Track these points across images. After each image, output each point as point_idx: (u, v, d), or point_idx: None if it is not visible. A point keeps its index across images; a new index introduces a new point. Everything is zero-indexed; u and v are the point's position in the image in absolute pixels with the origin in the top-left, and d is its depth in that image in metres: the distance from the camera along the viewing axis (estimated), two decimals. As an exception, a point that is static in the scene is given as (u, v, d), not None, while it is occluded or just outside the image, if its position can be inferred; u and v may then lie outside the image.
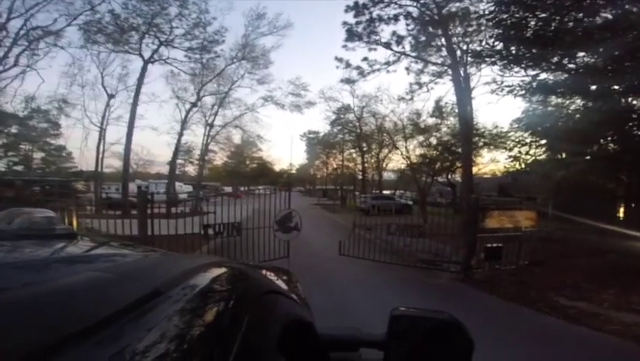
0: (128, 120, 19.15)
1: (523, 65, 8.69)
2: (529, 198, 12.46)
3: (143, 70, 19.08)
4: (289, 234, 6.78)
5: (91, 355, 0.32)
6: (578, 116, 10.23)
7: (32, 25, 15.54)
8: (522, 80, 8.90)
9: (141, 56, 18.95)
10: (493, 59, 9.30)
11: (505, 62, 8.83)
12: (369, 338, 0.95)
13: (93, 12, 16.53)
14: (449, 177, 22.45)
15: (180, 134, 21.48)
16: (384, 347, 0.88)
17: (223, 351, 0.40)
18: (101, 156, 20.63)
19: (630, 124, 7.94)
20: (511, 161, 13.99)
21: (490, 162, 21.46)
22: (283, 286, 1.20)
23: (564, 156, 10.78)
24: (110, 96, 19.89)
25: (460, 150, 17.57)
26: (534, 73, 8.87)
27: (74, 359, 0.30)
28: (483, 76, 25.96)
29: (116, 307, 0.38)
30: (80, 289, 0.41)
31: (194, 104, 21.36)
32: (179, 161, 26.62)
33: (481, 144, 19.08)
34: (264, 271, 1.36)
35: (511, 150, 15.38)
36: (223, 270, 0.67)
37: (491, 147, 19.44)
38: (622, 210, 12.48)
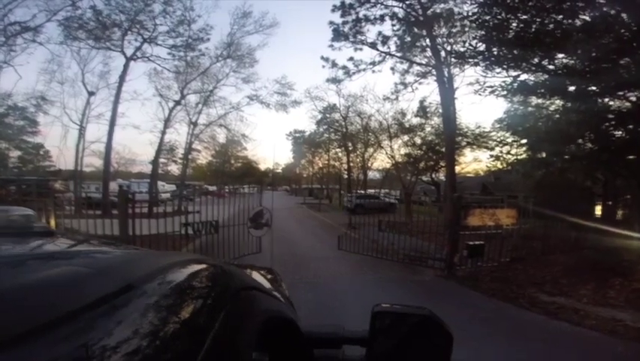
0: (109, 118, 18.67)
1: (504, 66, 8.85)
2: (511, 197, 12.74)
3: (125, 67, 18.60)
4: (261, 230, 7.13)
5: (56, 347, 0.31)
6: (557, 116, 10.50)
7: (10, 20, 14.95)
8: (504, 81, 9.07)
9: (123, 53, 18.45)
10: (475, 60, 9.45)
11: (488, 62, 8.98)
12: (352, 335, 0.96)
13: (74, 8, 16.02)
14: (433, 176, 22.77)
15: (163, 133, 21.10)
16: (366, 343, 0.90)
17: (194, 345, 0.41)
18: (80, 154, 20.06)
19: (606, 124, 8.18)
20: (494, 160, 14.26)
21: (473, 162, 21.86)
22: (266, 284, 1.20)
23: (544, 155, 11.03)
24: (91, 93, 19.30)
25: (443, 149, 17.82)
26: (515, 74, 9.05)
27: (37, 351, 0.30)
28: (466, 77, 26.55)
29: (85, 301, 0.37)
30: (49, 283, 0.41)
31: (177, 103, 21.00)
32: (161, 160, 26.12)
33: (464, 143, 19.42)
34: (247, 270, 1.34)
35: (493, 149, 15.71)
36: (199, 266, 0.66)
37: (474, 147, 19.82)
38: (599, 207, 12.90)
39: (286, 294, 1.37)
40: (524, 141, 11.57)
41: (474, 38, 9.89)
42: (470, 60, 10.09)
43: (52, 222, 6.02)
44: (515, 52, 8.27)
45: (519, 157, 12.24)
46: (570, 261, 7.10)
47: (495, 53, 8.72)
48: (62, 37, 16.91)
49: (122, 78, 18.56)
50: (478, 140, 19.00)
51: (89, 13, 16.50)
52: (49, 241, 0.81)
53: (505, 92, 9.26)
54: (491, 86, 9.11)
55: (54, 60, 17.99)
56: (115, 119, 18.62)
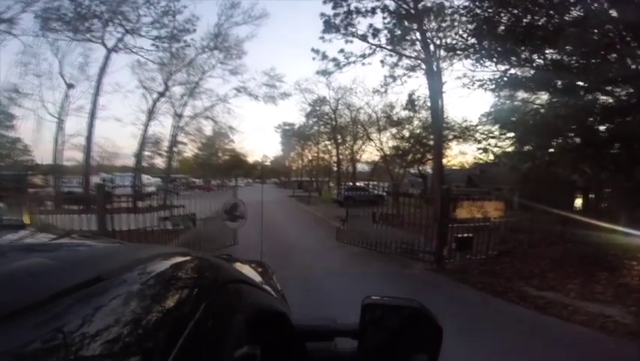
0: (89, 111, 18.10)
1: (494, 60, 8.88)
2: (497, 189, 12.88)
3: (107, 59, 17.96)
4: (236, 222, 7.31)
5: (13, 339, 0.30)
6: (543, 110, 10.61)
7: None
8: (492, 75, 9.13)
9: (104, 44, 17.79)
10: (466, 53, 9.49)
11: (478, 56, 9.00)
12: (344, 328, 0.97)
13: (51, -2, 15.35)
14: (420, 168, 22.90)
15: (147, 125, 20.58)
16: (357, 335, 0.90)
17: (168, 337, 0.40)
18: (60, 148, 19.37)
19: (592, 119, 8.28)
20: (481, 153, 14.41)
21: (459, 154, 22.07)
22: (255, 277, 1.18)
23: (530, 148, 11.16)
24: (70, 86, 18.59)
25: (431, 142, 17.93)
26: (504, 68, 9.10)
27: None
28: (455, 70, 26.59)
29: (48, 293, 0.36)
30: (8, 275, 0.39)
31: (161, 94, 20.49)
32: (146, 153, 25.59)
33: (451, 136, 19.57)
34: (236, 263, 1.30)
35: (480, 142, 15.90)
36: (182, 259, 0.64)
37: (460, 140, 20.00)
38: (582, 200, 13.14)
39: (278, 287, 1.38)
40: (511, 134, 11.69)
41: (464, 32, 9.90)
42: (460, 53, 10.10)
43: (27, 217, 5.79)
44: (505, 46, 8.28)
45: (506, 150, 12.38)
46: (556, 254, 7.18)
47: (485, 46, 8.73)
48: (38, 28, 16.21)
49: (102, 70, 17.95)
50: (465, 133, 19.19)
51: (67, 4, 15.88)
52: (18, 235, 0.77)
53: (493, 86, 9.31)
54: (480, 80, 9.16)
55: (30, 52, 17.18)
56: (95, 112, 18.02)
